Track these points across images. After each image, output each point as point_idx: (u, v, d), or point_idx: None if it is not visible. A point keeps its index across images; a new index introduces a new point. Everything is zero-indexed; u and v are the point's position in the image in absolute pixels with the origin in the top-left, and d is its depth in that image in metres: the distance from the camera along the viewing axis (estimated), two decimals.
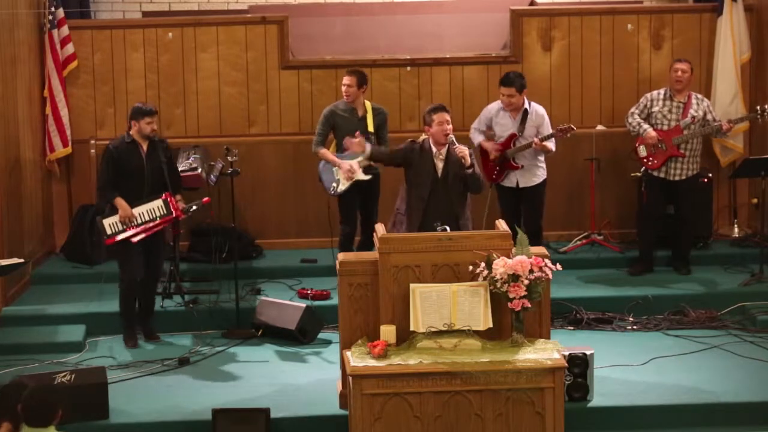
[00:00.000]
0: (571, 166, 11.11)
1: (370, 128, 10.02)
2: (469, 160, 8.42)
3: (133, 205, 8.98)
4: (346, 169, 9.92)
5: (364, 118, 10.04)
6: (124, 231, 8.97)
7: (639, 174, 10.44)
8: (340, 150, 10.04)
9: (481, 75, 11.29)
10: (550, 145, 9.97)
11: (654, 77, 11.09)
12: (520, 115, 10.04)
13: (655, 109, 10.27)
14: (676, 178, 10.23)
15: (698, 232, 10.85)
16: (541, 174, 10.14)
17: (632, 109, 10.39)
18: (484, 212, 9.69)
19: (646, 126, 10.23)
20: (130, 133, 9.06)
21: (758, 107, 10.42)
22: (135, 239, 8.99)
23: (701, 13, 11.37)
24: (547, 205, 10.54)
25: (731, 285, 10.02)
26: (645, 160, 10.28)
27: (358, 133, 9.57)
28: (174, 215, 9.10)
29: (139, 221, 9.00)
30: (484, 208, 9.75)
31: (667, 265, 10.49)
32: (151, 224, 9.01)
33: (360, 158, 9.84)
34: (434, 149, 8.53)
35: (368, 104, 10.09)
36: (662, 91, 10.33)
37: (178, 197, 9.17)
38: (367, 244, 10.07)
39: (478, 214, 9.65)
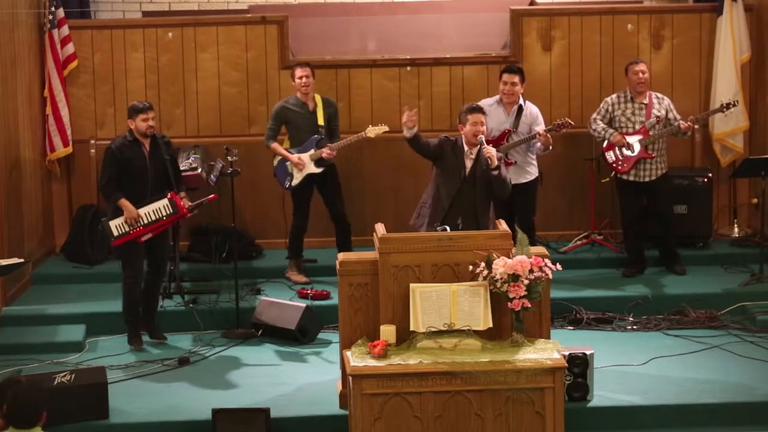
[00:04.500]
0: (571, 166, 11.11)
1: (321, 121, 10.20)
2: (495, 162, 8.37)
3: (138, 205, 8.96)
4: (294, 161, 10.07)
5: (315, 111, 10.15)
6: (131, 233, 8.96)
7: (609, 179, 10.44)
8: (294, 145, 10.14)
9: (481, 75, 11.29)
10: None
11: (654, 77, 11.07)
12: (514, 111, 10.06)
13: (618, 112, 10.25)
14: (647, 179, 10.23)
15: (698, 232, 10.86)
16: (532, 171, 10.14)
17: (594, 115, 10.38)
18: None
19: (611, 130, 10.22)
20: (131, 131, 9.05)
21: (722, 101, 10.40)
22: (142, 239, 9.00)
23: (701, 13, 11.37)
24: (548, 205, 10.53)
25: (731, 285, 10.01)
26: (614, 165, 10.27)
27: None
28: (180, 214, 9.09)
29: (146, 221, 8.97)
30: None
31: (659, 265, 10.48)
32: (158, 224, 9.00)
33: (312, 151, 9.96)
34: (466, 148, 8.54)
35: (318, 97, 10.29)
36: (621, 94, 10.31)
37: (182, 194, 9.15)
38: (343, 241, 10.13)
39: None
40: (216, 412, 7.56)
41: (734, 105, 10.37)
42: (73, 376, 7.69)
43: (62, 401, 7.53)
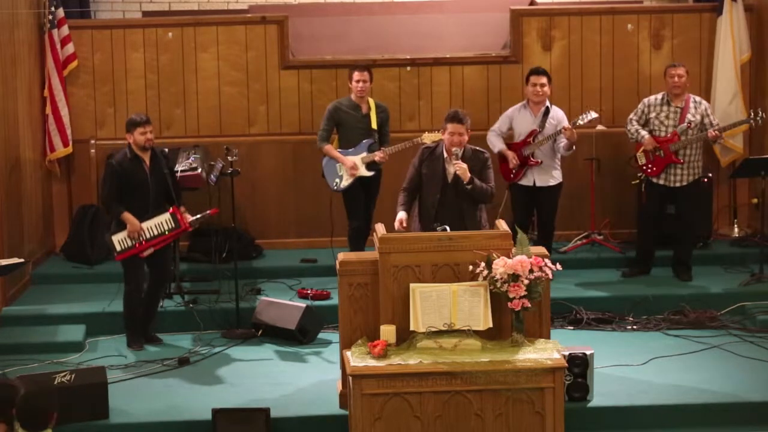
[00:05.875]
0: (571, 166, 11.09)
1: (374, 125, 10.12)
2: (467, 177, 8.23)
3: (140, 219, 8.95)
4: (349, 166, 10.02)
5: (368, 115, 10.11)
6: (133, 247, 8.95)
7: (638, 181, 10.42)
8: (343, 146, 10.11)
9: (481, 75, 11.29)
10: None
11: (654, 77, 11.10)
12: (541, 112, 10.07)
13: (653, 115, 10.20)
14: (677, 184, 10.17)
15: (698, 232, 10.85)
16: (557, 176, 10.15)
17: (631, 116, 10.33)
18: (498, 213, 9.71)
19: (643, 132, 10.19)
20: (131, 146, 9.02)
21: (751, 111, 10.38)
22: (144, 254, 9.00)
23: (701, 13, 11.37)
24: None
25: (731, 285, 10.01)
26: (644, 168, 10.24)
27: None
28: (182, 228, 9.10)
29: (148, 236, 8.97)
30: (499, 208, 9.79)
31: (666, 266, 10.46)
32: (160, 239, 9.00)
33: (363, 154, 9.95)
34: (445, 154, 8.45)
35: (371, 101, 10.20)
36: (660, 96, 10.25)
37: (183, 209, 9.16)
38: (361, 233, 10.12)
39: (493, 214, 9.64)
40: (216, 412, 7.56)
41: (762, 118, 10.25)
42: (73, 376, 7.69)
43: (62, 401, 7.48)
